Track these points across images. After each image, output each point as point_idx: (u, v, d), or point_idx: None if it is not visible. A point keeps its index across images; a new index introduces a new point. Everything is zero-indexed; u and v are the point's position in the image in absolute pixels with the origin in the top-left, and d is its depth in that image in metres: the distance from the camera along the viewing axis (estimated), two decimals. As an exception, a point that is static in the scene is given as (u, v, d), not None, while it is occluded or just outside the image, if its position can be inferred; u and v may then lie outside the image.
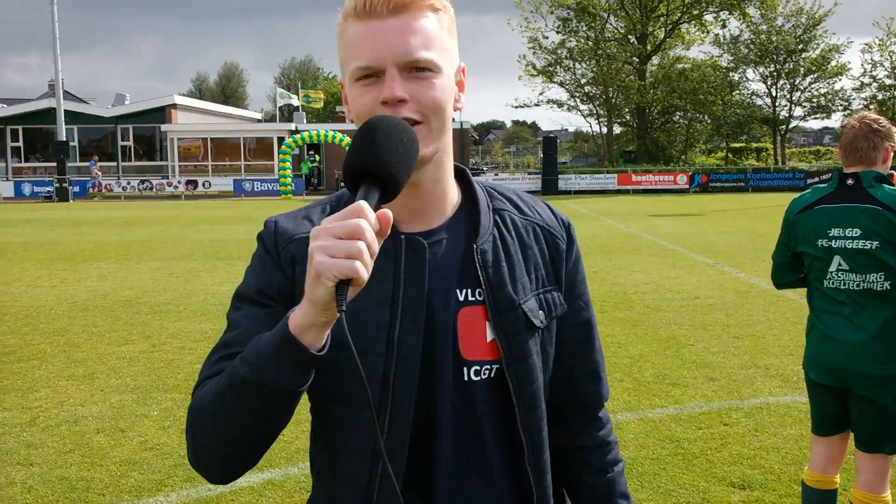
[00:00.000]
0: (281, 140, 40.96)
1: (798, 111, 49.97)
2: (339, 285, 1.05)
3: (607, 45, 48.88)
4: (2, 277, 12.42)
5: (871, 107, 46.50)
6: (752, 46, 49.22)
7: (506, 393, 1.35)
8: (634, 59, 48.76)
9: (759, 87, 51.09)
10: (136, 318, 9.17)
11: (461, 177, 1.44)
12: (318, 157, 42.73)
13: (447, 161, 1.37)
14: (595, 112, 52.02)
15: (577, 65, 49.97)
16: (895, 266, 3.17)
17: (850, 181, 3.30)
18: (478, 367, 1.34)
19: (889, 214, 3.16)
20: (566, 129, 78.70)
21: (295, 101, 47.88)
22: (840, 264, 3.28)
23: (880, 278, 3.20)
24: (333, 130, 39.69)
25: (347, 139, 38.46)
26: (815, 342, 3.39)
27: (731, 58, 50.30)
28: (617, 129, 53.36)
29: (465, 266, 1.35)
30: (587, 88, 50.54)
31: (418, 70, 1.26)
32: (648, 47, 48.55)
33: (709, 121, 50.02)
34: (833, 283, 3.32)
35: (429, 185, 1.34)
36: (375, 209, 1.09)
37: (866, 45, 46.93)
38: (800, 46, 48.15)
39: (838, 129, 55.50)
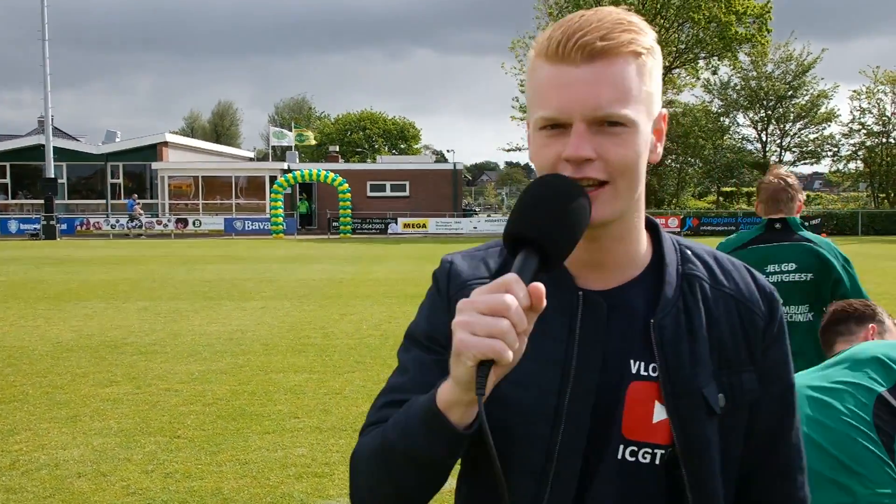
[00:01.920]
0: (273, 179, 41.03)
1: (788, 156, 50.43)
2: (480, 366, 0.99)
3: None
4: (-14, 315, 12.24)
5: (860, 153, 47.02)
6: (742, 92, 49.84)
7: (672, 483, 1.20)
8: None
9: (750, 131, 51.65)
10: (122, 358, 9.02)
11: (652, 231, 1.31)
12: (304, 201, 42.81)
13: (636, 219, 1.25)
14: (587, 155, 52.34)
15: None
16: (824, 296, 3.51)
17: (777, 225, 3.83)
18: (634, 448, 1.20)
19: (819, 250, 3.67)
20: (558, 172, 79.18)
21: (290, 141, 48.08)
22: None
23: (805, 310, 3.63)
24: (326, 170, 39.83)
25: (340, 179, 38.60)
26: None
27: (721, 102, 50.88)
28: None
29: (643, 336, 1.21)
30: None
31: (609, 125, 1.14)
32: (639, 91, 49.03)
33: (700, 164, 50.47)
34: None
35: (610, 242, 1.23)
36: (532, 279, 1.02)
37: (854, 91, 47.60)
38: (789, 93, 48.76)
39: (828, 174, 56.06)
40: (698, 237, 37.05)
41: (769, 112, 49.41)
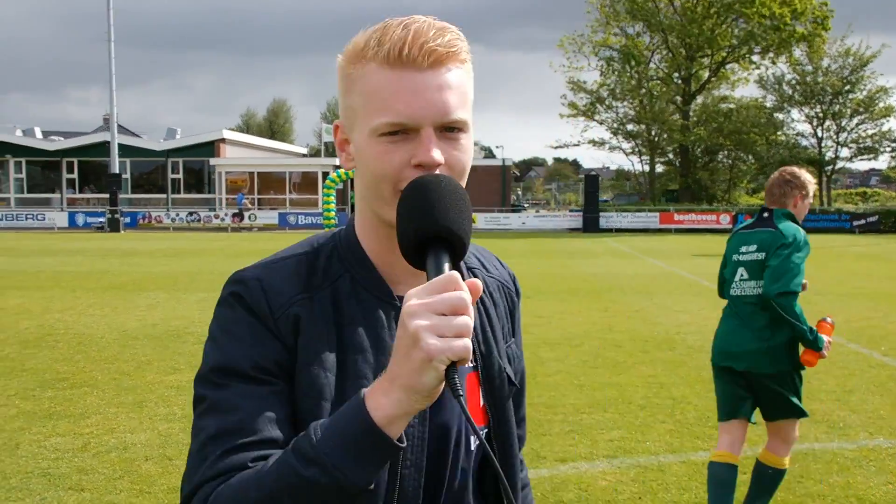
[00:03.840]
0: (325, 174, 41.55)
1: (844, 152, 49.42)
2: (449, 368, 0.96)
3: (651, 84, 48.90)
4: (56, 305, 12.78)
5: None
6: (797, 87, 48.82)
7: (488, 457, 1.17)
8: (678, 97, 48.69)
9: (805, 127, 50.60)
10: (184, 347, 9.38)
11: None
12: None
13: None
14: (637, 150, 51.93)
15: (619, 103, 50.02)
16: (767, 273, 4.13)
17: (765, 214, 4.35)
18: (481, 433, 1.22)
19: (777, 235, 4.17)
20: (608, 168, 78.55)
21: (341, 136, 48.45)
22: (742, 275, 4.32)
23: (757, 284, 4.23)
24: (377, 166, 40.16)
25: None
26: (719, 336, 4.41)
27: (775, 98, 49.92)
28: (659, 168, 53.14)
29: None
30: (629, 127, 50.51)
31: (450, 130, 1.15)
32: (692, 87, 48.45)
33: (753, 160, 49.57)
34: (736, 290, 4.35)
35: None
36: None
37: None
38: (846, 88, 47.65)
39: (886, 171, 54.59)
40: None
41: (825, 107, 48.29)
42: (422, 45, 1.12)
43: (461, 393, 0.96)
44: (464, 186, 1.14)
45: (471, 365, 1.27)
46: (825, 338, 4.12)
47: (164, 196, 45.25)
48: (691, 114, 48.18)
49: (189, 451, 1.15)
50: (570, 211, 46.63)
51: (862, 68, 47.32)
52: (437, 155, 1.12)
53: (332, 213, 38.53)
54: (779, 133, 49.52)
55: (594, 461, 5.59)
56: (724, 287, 4.56)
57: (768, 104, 49.88)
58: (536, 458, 5.60)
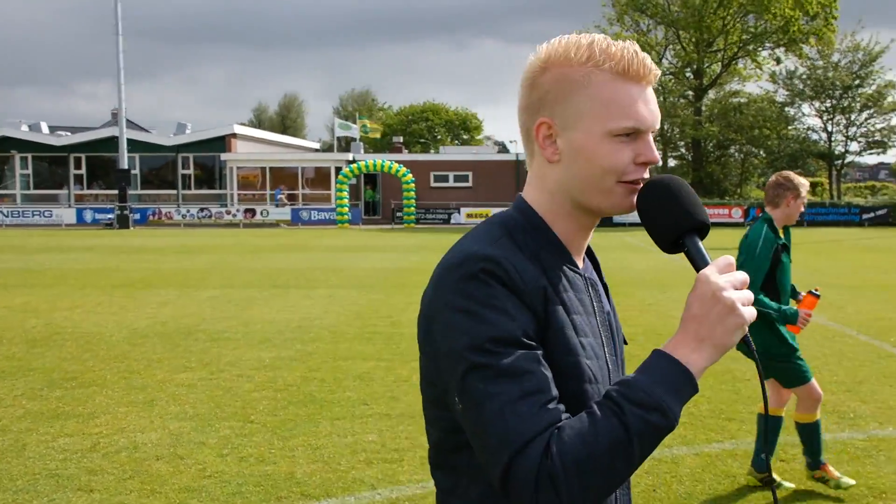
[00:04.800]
0: (338, 170, 41.51)
1: (854, 146, 49.13)
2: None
3: (663, 78, 48.65)
4: (63, 303, 12.71)
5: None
6: (807, 82, 48.58)
7: None
8: (689, 92, 48.48)
9: (815, 121, 50.38)
10: (195, 345, 9.29)
11: None
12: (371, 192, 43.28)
13: None
14: (650, 145, 51.53)
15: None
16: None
17: (761, 214, 4.96)
18: None
19: (749, 235, 4.82)
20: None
21: (354, 132, 48.51)
22: None
23: None
24: (390, 160, 40.13)
25: (404, 169, 38.84)
26: None
27: (786, 93, 49.69)
28: (672, 162, 52.95)
29: (607, 299, 1.54)
30: (641, 121, 50.04)
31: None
32: (704, 81, 48.23)
33: (764, 155, 49.37)
34: None
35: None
36: None
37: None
38: (856, 82, 47.40)
39: (894, 165, 54.24)
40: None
41: (835, 102, 48.03)
42: (647, 63, 1.36)
43: (755, 348, 1.28)
44: None
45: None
46: (802, 311, 4.68)
47: (174, 192, 45.24)
48: (703, 108, 47.95)
49: (480, 416, 1.23)
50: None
51: (871, 63, 47.10)
52: (658, 156, 1.38)
53: (346, 209, 38.66)
54: (790, 127, 49.31)
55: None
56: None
57: (779, 98, 49.69)
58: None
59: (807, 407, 4.89)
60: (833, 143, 48.76)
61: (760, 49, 47.25)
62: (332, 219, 39.32)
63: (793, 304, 4.98)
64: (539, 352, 1.27)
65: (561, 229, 1.42)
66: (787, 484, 4.96)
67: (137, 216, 39.47)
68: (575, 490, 1.17)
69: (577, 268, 1.43)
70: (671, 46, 49.02)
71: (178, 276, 16.76)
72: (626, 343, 1.55)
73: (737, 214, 38.08)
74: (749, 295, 1.25)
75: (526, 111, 1.41)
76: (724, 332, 1.23)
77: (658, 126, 1.39)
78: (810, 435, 4.92)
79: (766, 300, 4.67)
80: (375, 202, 43.81)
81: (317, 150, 59.89)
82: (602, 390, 1.32)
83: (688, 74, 48.97)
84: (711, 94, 49.77)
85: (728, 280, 1.25)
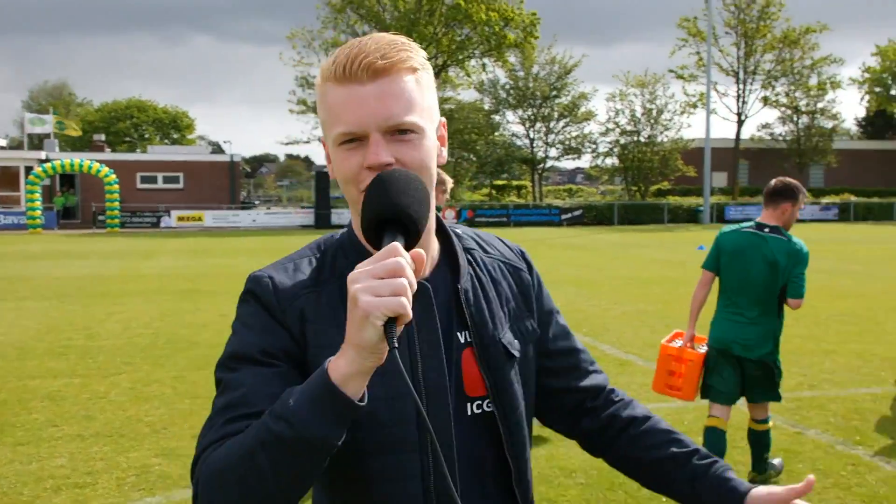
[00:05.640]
0: (29, 169, 37.80)
1: (553, 152, 53.26)
2: (387, 324, 1.08)
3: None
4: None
5: (615, 150, 50.70)
6: (511, 91, 52.15)
7: (494, 422, 1.42)
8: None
9: (519, 128, 54.16)
10: None
11: (436, 223, 1.49)
12: (69, 194, 39.86)
13: (433, 213, 1.40)
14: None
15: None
16: None
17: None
18: (479, 402, 1.42)
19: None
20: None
21: (49, 127, 44.37)
22: None
23: None
24: (90, 160, 37.23)
25: (106, 169, 36.25)
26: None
27: (492, 101, 52.96)
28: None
29: (457, 308, 1.43)
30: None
31: (401, 133, 1.29)
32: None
33: (474, 159, 52.28)
34: None
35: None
36: None
37: (609, 94, 51.13)
38: (553, 93, 51.60)
39: (588, 169, 59.93)
40: (473, 227, 38.30)
41: (535, 111, 52.02)
42: (361, 61, 1.27)
43: (396, 345, 1.08)
44: (428, 182, 1.31)
45: (469, 339, 1.42)
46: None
47: None
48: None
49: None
50: (302, 207, 46.19)
51: (566, 75, 51.50)
52: (384, 156, 1.27)
53: (38, 213, 35.20)
54: (496, 133, 52.60)
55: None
56: None
57: (486, 106, 52.81)
58: (544, 441, 5.65)
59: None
60: (535, 149, 52.68)
61: (469, 59, 49.89)
62: (21, 223, 35.74)
63: None
64: (272, 368, 1.30)
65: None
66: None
67: None
68: (207, 499, 1.20)
69: None
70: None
71: None
72: (514, 356, 1.46)
73: (450, 216, 39.77)
74: (395, 283, 1.08)
75: None
76: (354, 329, 1.11)
77: (390, 122, 1.28)
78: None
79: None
80: (72, 206, 40.44)
81: (3, 148, 54.20)
82: (394, 406, 1.33)
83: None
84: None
85: (366, 269, 1.10)
